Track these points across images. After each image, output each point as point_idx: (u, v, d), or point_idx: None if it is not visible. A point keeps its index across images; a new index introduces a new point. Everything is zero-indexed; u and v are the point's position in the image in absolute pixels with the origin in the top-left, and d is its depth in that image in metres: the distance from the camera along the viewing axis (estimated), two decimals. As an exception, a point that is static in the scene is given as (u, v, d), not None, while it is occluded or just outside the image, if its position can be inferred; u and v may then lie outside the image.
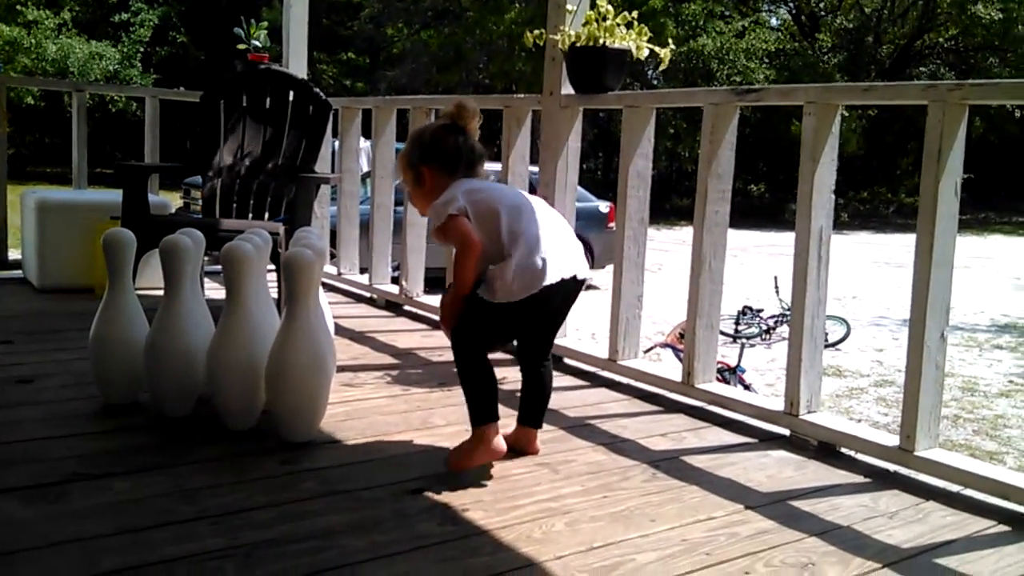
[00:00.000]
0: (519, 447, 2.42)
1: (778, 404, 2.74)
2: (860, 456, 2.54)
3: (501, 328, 2.31)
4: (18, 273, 4.66)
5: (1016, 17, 24.41)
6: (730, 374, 6.35)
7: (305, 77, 4.50)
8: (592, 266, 11.37)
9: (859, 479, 2.39)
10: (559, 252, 2.26)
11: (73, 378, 2.88)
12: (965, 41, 27.15)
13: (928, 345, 2.37)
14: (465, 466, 2.25)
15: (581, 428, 2.69)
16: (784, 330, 9.08)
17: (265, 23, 4.67)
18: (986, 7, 23.53)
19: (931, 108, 2.34)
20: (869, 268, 14.02)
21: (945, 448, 2.48)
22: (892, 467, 2.45)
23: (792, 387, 2.66)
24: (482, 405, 2.26)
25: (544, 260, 2.21)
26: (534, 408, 2.43)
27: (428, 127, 2.46)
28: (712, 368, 3.00)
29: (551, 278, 2.21)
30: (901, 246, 17.91)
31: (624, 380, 3.21)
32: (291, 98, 4.15)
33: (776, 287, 9.46)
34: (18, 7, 20.94)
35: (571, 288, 2.29)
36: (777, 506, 2.16)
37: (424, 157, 2.37)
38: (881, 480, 2.39)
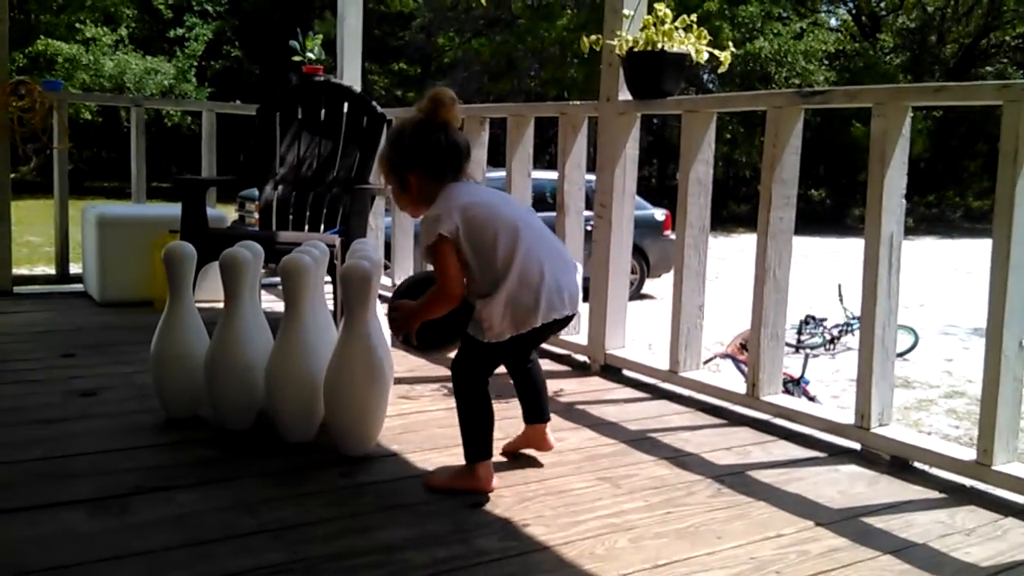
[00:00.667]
0: (534, 446, 2.39)
1: (848, 417, 2.65)
2: (934, 471, 2.44)
3: (497, 359, 2.24)
4: (79, 287, 4.75)
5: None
6: (794, 386, 6.21)
7: (359, 89, 4.52)
8: (648, 275, 11.31)
9: (934, 494, 2.30)
10: (554, 286, 2.12)
11: (135, 391, 2.91)
12: (1033, 39, 26.43)
13: (1006, 355, 2.27)
14: (441, 487, 2.19)
15: (642, 441, 2.63)
16: (849, 340, 8.88)
17: (320, 35, 4.71)
18: (1056, 0, 22.88)
19: (1006, 108, 2.24)
20: (937, 275, 13.67)
21: (1022, 461, 2.37)
22: (968, 482, 2.36)
23: (863, 399, 2.57)
24: (479, 441, 2.19)
25: (537, 296, 2.09)
26: (535, 403, 2.39)
27: (406, 127, 2.23)
28: (778, 380, 2.91)
29: (543, 318, 2.10)
30: (970, 252, 17.46)
31: (686, 392, 3.14)
32: (345, 110, 4.16)
33: (840, 295, 9.25)
34: (77, 25, 21.51)
35: (562, 324, 2.19)
36: (849, 523, 2.08)
37: (407, 163, 2.19)
38: (957, 495, 2.30)
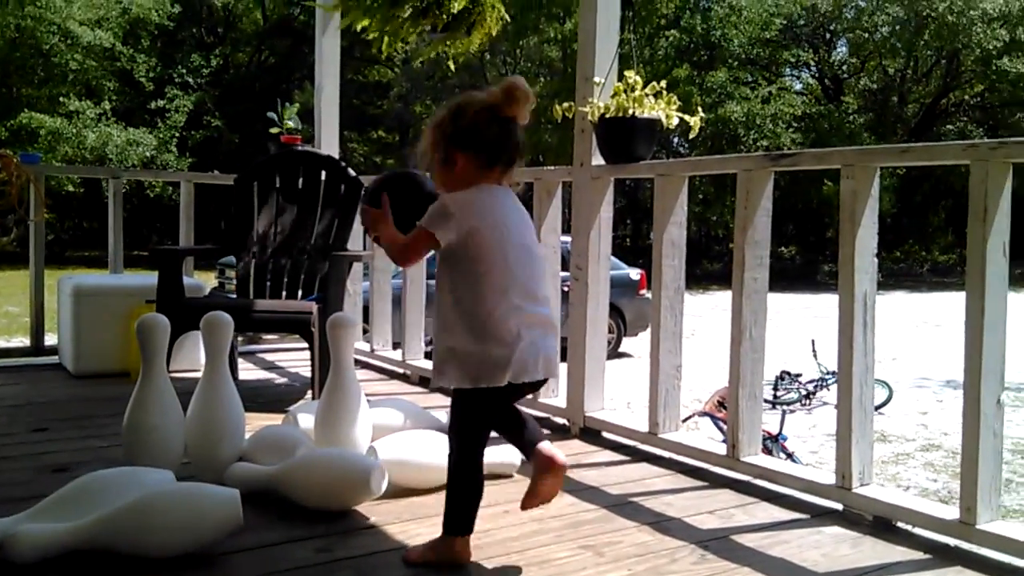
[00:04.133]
0: (543, 471, 2.15)
1: (829, 477, 2.64)
2: (918, 530, 2.43)
3: (488, 414, 2.13)
4: (55, 359, 4.68)
5: (1042, 71, 24.42)
6: (772, 442, 6.20)
7: (337, 156, 4.55)
8: (625, 333, 11.34)
9: (919, 555, 2.28)
10: (528, 348, 2.02)
11: (107, 465, 2.83)
12: (991, 97, 27.14)
13: (985, 412, 2.27)
14: (418, 561, 2.12)
15: (624, 506, 2.60)
16: (824, 394, 8.91)
17: (297, 105, 4.76)
18: (1012, 60, 23.53)
19: (973, 168, 2.28)
20: (907, 328, 13.79)
21: (1006, 518, 2.36)
22: (953, 541, 2.34)
23: (843, 459, 2.56)
24: (462, 515, 2.10)
25: (509, 354, 1.99)
26: (522, 431, 2.22)
27: (471, 104, 2.08)
28: (758, 440, 2.91)
29: (512, 377, 2.00)
30: (938, 305, 17.66)
31: (666, 454, 3.12)
32: (323, 177, 4.18)
33: (814, 351, 9.31)
34: (60, 99, 21.64)
35: (533, 387, 2.10)
36: (835, 587, 2.06)
37: (461, 142, 2.05)
38: (942, 556, 2.28)
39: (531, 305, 2.05)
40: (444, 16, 3.42)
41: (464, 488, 2.10)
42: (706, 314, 14.39)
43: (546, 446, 2.17)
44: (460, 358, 2.02)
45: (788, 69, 28.98)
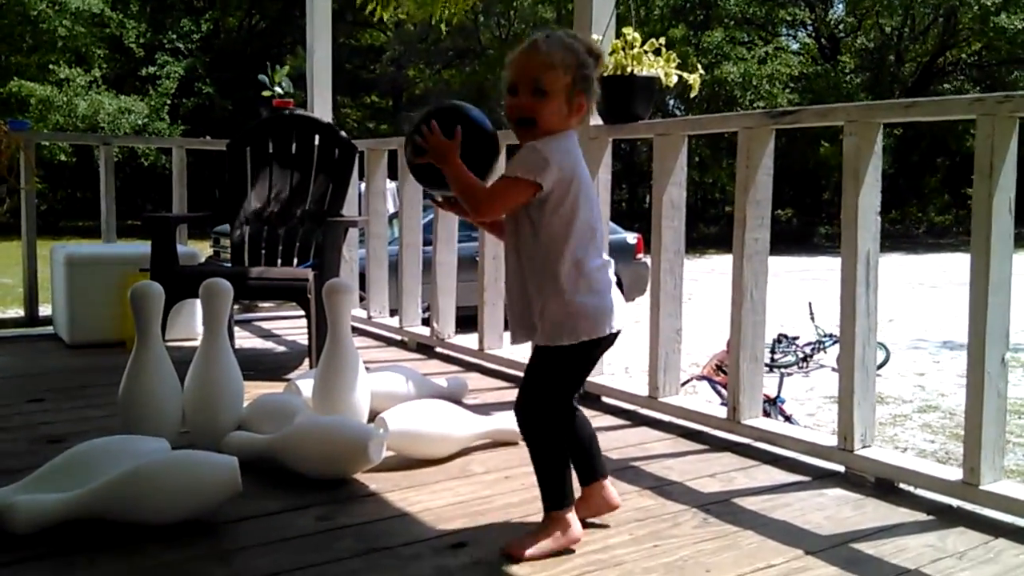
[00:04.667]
0: (595, 511, 2.13)
1: (831, 439, 2.62)
2: (920, 492, 2.41)
3: (578, 374, 2.03)
4: (49, 329, 4.65)
5: (1040, 29, 24.23)
6: (770, 405, 6.19)
7: (330, 121, 4.49)
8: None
9: (923, 517, 2.27)
10: (618, 295, 2.00)
11: (104, 435, 2.81)
12: (989, 56, 26.95)
13: (989, 372, 2.25)
14: (534, 558, 1.94)
15: (625, 471, 2.58)
16: (821, 357, 8.91)
17: (288, 67, 4.69)
18: (1009, 17, 23.32)
19: (980, 123, 2.24)
20: (903, 290, 13.79)
21: (1002, 475, 2.35)
22: (956, 502, 2.33)
23: (845, 421, 2.55)
24: (563, 483, 1.98)
25: (610, 297, 1.96)
26: (587, 458, 2.13)
27: (590, 52, 1.96)
28: (758, 403, 2.89)
29: (611, 325, 1.95)
30: (934, 266, 17.65)
31: (666, 418, 3.10)
32: (317, 142, 4.12)
33: (811, 313, 9.29)
34: (50, 66, 21.39)
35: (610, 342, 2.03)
36: (839, 550, 2.05)
37: (589, 87, 1.94)
38: (946, 517, 2.27)
39: (606, 255, 2.05)
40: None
41: (563, 452, 2.00)
42: (702, 278, 14.36)
43: (610, 487, 2.14)
44: (569, 312, 1.92)
45: (784, 28, 28.74)
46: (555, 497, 1.98)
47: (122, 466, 2.09)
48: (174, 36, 24.07)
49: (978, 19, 24.54)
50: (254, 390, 3.00)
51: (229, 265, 4.36)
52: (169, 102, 23.20)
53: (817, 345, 9.04)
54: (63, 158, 20.65)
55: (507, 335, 3.66)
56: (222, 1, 26.57)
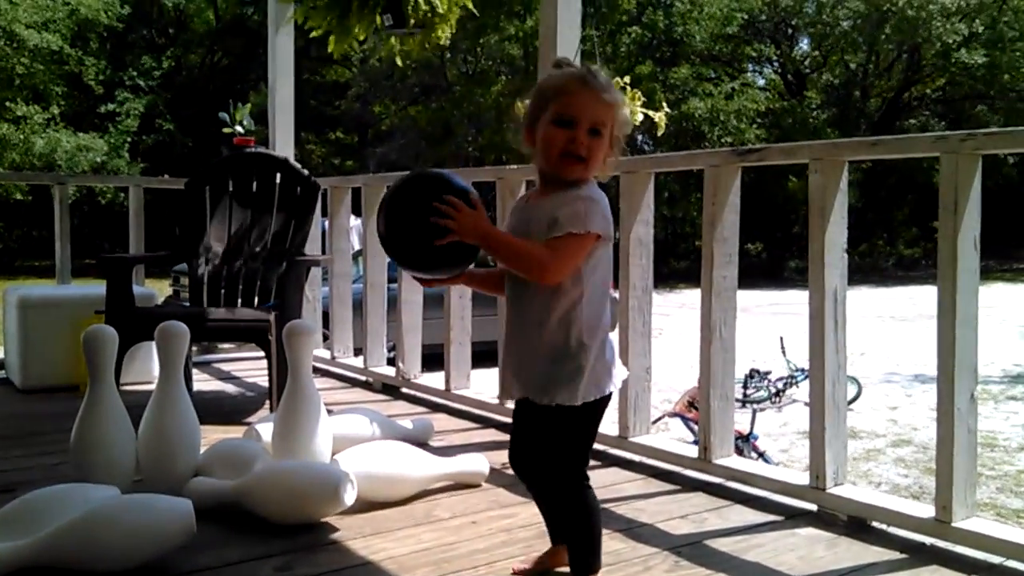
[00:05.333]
0: (558, 564, 2.05)
1: (803, 478, 2.58)
2: (893, 530, 2.38)
3: (592, 432, 1.93)
4: (1, 374, 4.52)
5: (1000, 64, 24.73)
6: (743, 442, 6.16)
7: (292, 158, 4.44)
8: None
9: (896, 555, 2.23)
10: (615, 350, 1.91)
11: (57, 483, 2.71)
12: (952, 91, 27.45)
13: (959, 408, 2.23)
14: None
15: (595, 513, 2.52)
16: (794, 392, 8.90)
17: (248, 105, 4.64)
18: (970, 53, 23.82)
19: (944, 160, 2.23)
20: (874, 323, 13.87)
21: (982, 514, 2.32)
22: (929, 540, 2.30)
23: (817, 459, 2.51)
24: (598, 547, 1.92)
25: (614, 355, 1.88)
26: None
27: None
28: (730, 441, 2.84)
29: (614, 384, 1.87)
30: (904, 299, 17.80)
31: (636, 458, 3.05)
32: (278, 180, 4.07)
33: (783, 348, 9.30)
34: (7, 103, 21.18)
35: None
36: (813, 593, 2.00)
37: (621, 135, 1.88)
38: (919, 555, 2.23)
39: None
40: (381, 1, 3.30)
41: (597, 517, 1.94)
42: (674, 312, 14.38)
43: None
44: (587, 367, 1.81)
45: (751, 65, 29.12)
46: (592, 561, 1.92)
47: (72, 513, 2.03)
48: (135, 73, 23.91)
49: (940, 55, 25.03)
50: (213, 435, 2.92)
51: (188, 305, 4.28)
52: (129, 139, 22.98)
53: (789, 380, 9.03)
54: (19, 196, 20.37)
55: (476, 375, 3.61)
56: (184, 38, 26.52)
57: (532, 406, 1.83)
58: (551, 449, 1.87)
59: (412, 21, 3.44)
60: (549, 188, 1.85)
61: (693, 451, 2.90)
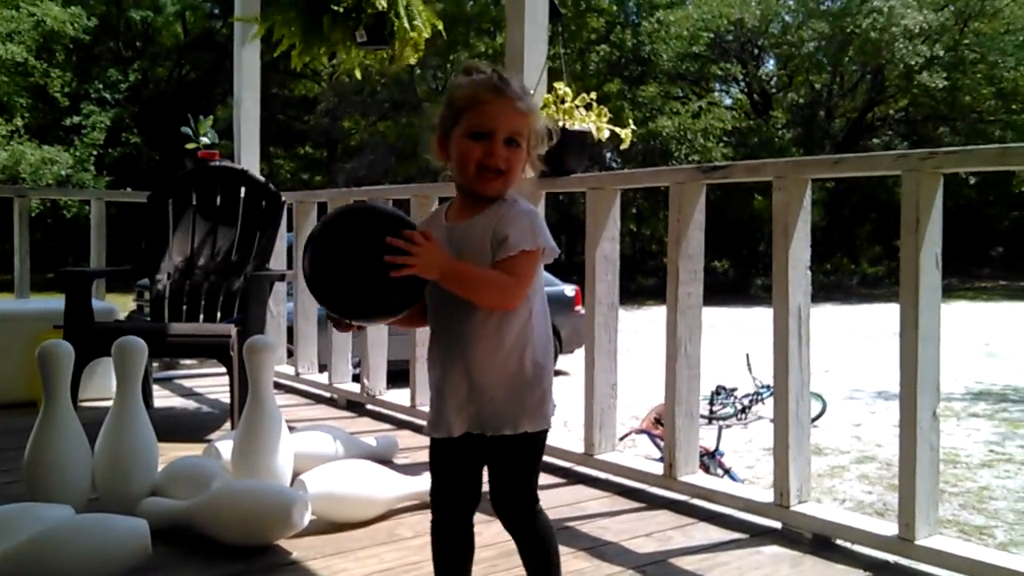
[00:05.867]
0: None
1: (767, 495, 2.58)
2: (857, 548, 2.38)
3: None
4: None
5: (961, 86, 25.20)
6: (709, 459, 6.17)
7: (257, 172, 4.39)
8: (560, 351, 11.26)
9: (860, 573, 2.24)
10: None
11: (9, 503, 2.65)
12: (915, 111, 27.91)
13: (921, 426, 2.24)
14: None
15: (560, 532, 2.47)
16: (760, 408, 8.94)
17: (211, 118, 4.59)
18: (931, 76, 24.24)
19: (905, 179, 2.25)
20: (838, 341, 14.00)
21: (937, 529, 2.32)
22: (892, 558, 2.30)
23: (781, 476, 2.51)
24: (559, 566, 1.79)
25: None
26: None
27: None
28: (695, 459, 2.84)
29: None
30: (867, 317, 18.00)
31: (602, 475, 3.03)
32: (242, 194, 4.02)
33: (748, 365, 9.34)
34: (-30, 115, 20.91)
35: None
36: (777, 612, 1.99)
37: (538, 142, 1.76)
38: (883, 573, 2.24)
39: None
40: (364, 19, 3.29)
41: (555, 538, 1.79)
42: (641, 329, 14.41)
43: None
44: (549, 388, 1.73)
45: (717, 84, 29.41)
46: None
47: (24, 533, 1.97)
48: (101, 86, 23.67)
49: (903, 77, 25.45)
50: (172, 452, 2.87)
51: (148, 320, 4.21)
52: (95, 153, 22.72)
53: (755, 396, 9.07)
54: (-19, 210, 20.09)
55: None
56: (151, 51, 26.31)
57: (487, 440, 1.68)
58: (515, 480, 1.74)
59: (393, 42, 3.43)
60: (471, 205, 1.71)
61: (658, 468, 2.88)
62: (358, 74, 3.54)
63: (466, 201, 1.74)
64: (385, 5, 3.35)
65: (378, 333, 4.05)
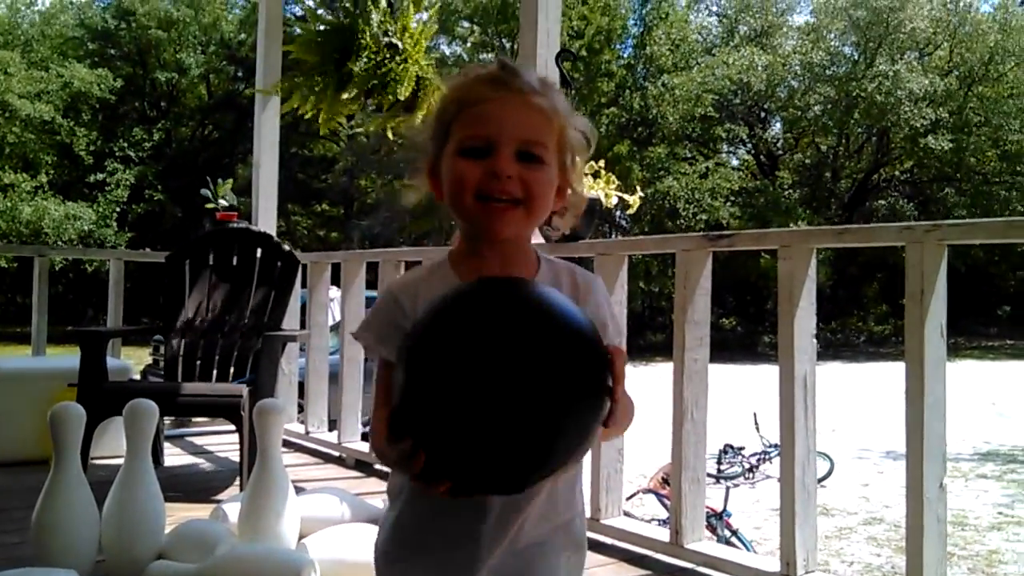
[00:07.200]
0: None
1: (774, 564, 2.57)
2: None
3: None
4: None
5: (966, 147, 25.38)
6: (717, 520, 6.13)
7: (274, 232, 4.46)
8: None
9: (867, 646, 2.21)
10: None
11: (17, 565, 2.65)
12: (920, 173, 28.07)
13: (928, 497, 2.24)
14: None
15: (566, 599, 2.49)
16: (767, 468, 8.89)
17: (230, 181, 4.67)
18: (936, 139, 24.44)
19: (909, 250, 2.28)
20: (845, 399, 13.92)
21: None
22: (901, 629, 2.28)
23: (787, 545, 2.51)
24: None
25: None
26: None
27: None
28: (701, 525, 2.83)
29: None
30: (875, 375, 17.92)
31: (608, 541, 3.02)
32: (258, 255, 4.08)
33: (756, 424, 9.31)
34: (-4, 172, 21.32)
35: None
36: None
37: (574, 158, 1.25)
38: (891, 646, 2.22)
39: None
40: (390, 97, 3.38)
41: None
42: (650, 386, 14.38)
43: None
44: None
45: (725, 145, 29.70)
46: None
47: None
48: (125, 144, 24.15)
49: (908, 139, 25.67)
50: (180, 513, 2.88)
51: (161, 379, 4.24)
52: (118, 209, 23.08)
53: (763, 455, 9.03)
54: (3, 264, 20.32)
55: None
56: (175, 112, 26.80)
57: None
58: None
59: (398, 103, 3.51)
60: (497, 256, 1.20)
61: (665, 534, 2.88)
62: (390, 134, 3.61)
63: (478, 248, 1.22)
64: (416, 75, 3.43)
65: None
